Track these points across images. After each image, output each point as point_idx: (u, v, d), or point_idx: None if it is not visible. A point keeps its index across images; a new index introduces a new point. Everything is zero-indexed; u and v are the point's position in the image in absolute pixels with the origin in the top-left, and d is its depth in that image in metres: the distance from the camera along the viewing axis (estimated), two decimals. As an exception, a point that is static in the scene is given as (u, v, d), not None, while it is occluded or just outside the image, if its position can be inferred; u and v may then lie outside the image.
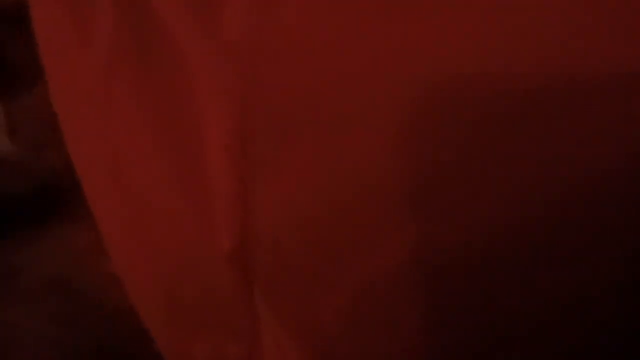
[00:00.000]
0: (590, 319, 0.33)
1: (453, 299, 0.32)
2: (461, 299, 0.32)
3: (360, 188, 0.32)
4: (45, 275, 1.28)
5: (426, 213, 0.31)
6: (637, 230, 0.32)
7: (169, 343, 0.40)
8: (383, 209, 0.32)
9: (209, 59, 0.35)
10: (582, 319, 0.33)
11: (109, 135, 0.37)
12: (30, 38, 1.46)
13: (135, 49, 0.36)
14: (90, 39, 0.36)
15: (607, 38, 0.30)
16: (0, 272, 1.26)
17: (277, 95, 0.33)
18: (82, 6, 0.34)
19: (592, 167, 0.31)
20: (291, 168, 0.34)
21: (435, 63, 0.30)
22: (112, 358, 1.20)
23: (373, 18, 0.30)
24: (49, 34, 0.37)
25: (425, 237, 0.31)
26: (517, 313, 0.33)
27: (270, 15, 0.31)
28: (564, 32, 0.30)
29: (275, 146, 0.34)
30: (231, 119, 0.35)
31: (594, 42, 0.30)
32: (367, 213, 0.33)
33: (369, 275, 0.33)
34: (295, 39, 0.31)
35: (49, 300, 1.23)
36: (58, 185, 1.39)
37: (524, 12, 0.30)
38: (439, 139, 0.30)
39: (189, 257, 0.36)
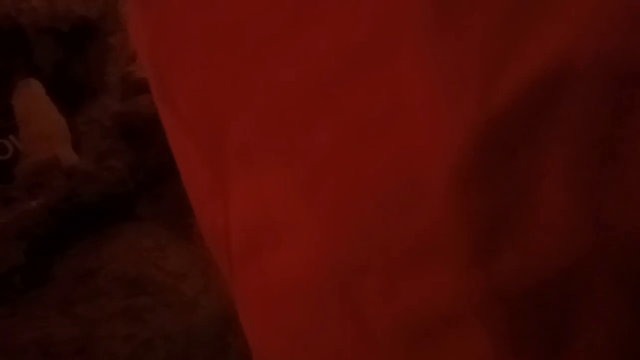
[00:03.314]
0: None
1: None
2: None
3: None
4: (117, 274, 1.37)
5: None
6: None
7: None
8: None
9: (172, 126, 0.43)
10: None
11: None
12: (89, 55, 1.55)
13: None
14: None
15: None
16: (77, 274, 1.35)
17: None
18: None
19: None
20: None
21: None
22: (181, 350, 1.28)
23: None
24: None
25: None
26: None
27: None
28: None
29: None
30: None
31: None
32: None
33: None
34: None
35: (120, 297, 1.32)
36: (123, 191, 1.48)
37: None
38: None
39: None
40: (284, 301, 0.38)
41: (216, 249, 0.44)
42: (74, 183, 1.42)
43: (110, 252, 1.37)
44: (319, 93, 0.35)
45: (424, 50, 0.32)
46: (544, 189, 0.31)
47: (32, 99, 1.46)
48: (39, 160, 1.41)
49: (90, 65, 1.53)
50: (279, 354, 0.40)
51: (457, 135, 0.32)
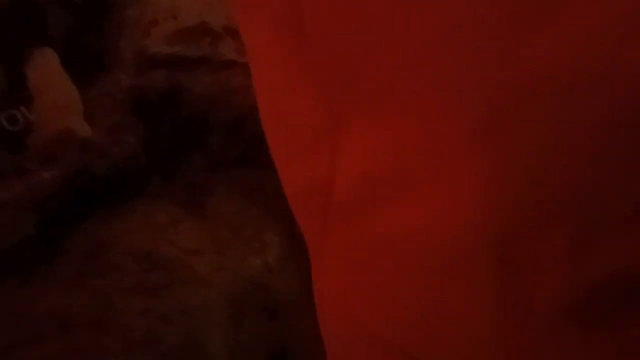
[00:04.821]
0: None
1: None
2: None
3: None
4: (131, 249, 1.36)
5: None
6: None
7: None
8: None
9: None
10: None
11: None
12: (103, 27, 1.54)
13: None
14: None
15: None
16: (90, 248, 1.35)
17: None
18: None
19: None
20: None
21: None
22: (198, 325, 1.28)
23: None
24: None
25: None
26: None
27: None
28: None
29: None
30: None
31: None
32: None
33: None
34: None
35: (135, 272, 1.31)
36: (135, 166, 1.47)
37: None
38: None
39: None
40: (408, 262, 0.34)
41: (305, 202, 0.40)
42: (87, 156, 1.41)
43: (123, 227, 1.36)
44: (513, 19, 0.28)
45: None
46: None
47: (47, 69, 1.44)
48: (52, 132, 1.40)
49: (104, 37, 1.51)
50: (383, 321, 0.36)
51: None
